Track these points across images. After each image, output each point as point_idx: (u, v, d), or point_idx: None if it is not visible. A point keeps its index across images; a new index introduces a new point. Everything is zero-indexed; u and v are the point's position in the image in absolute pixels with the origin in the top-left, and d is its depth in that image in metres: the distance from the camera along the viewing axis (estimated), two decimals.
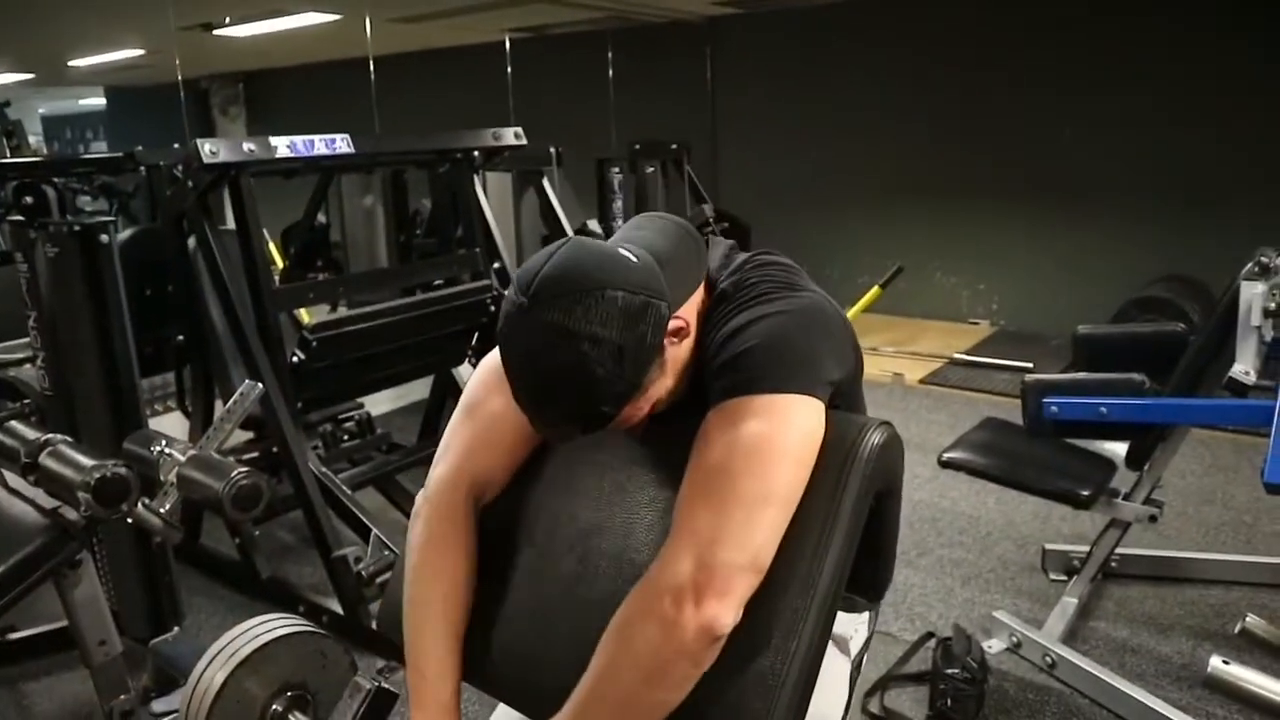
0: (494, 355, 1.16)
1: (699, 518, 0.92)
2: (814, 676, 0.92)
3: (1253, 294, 2.17)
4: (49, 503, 1.89)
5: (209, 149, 2.51)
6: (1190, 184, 5.19)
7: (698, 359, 1.04)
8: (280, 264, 4.33)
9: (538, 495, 1.15)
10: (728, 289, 1.06)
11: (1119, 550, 2.68)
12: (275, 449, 2.77)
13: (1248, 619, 1.41)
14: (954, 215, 6.08)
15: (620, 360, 0.92)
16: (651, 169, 5.06)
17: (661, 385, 1.01)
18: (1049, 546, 2.94)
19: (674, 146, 5.33)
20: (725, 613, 0.89)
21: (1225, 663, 1.15)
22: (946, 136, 5.95)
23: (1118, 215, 5.45)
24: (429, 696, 1.08)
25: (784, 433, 0.93)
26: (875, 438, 0.96)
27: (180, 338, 3.10)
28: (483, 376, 1.17)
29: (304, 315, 3.65)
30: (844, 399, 1.03)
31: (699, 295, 1.07)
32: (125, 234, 3.26)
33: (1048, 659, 2.39)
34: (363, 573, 2.54)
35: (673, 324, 0.99)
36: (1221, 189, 5.10)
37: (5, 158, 4.36)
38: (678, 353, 1.02)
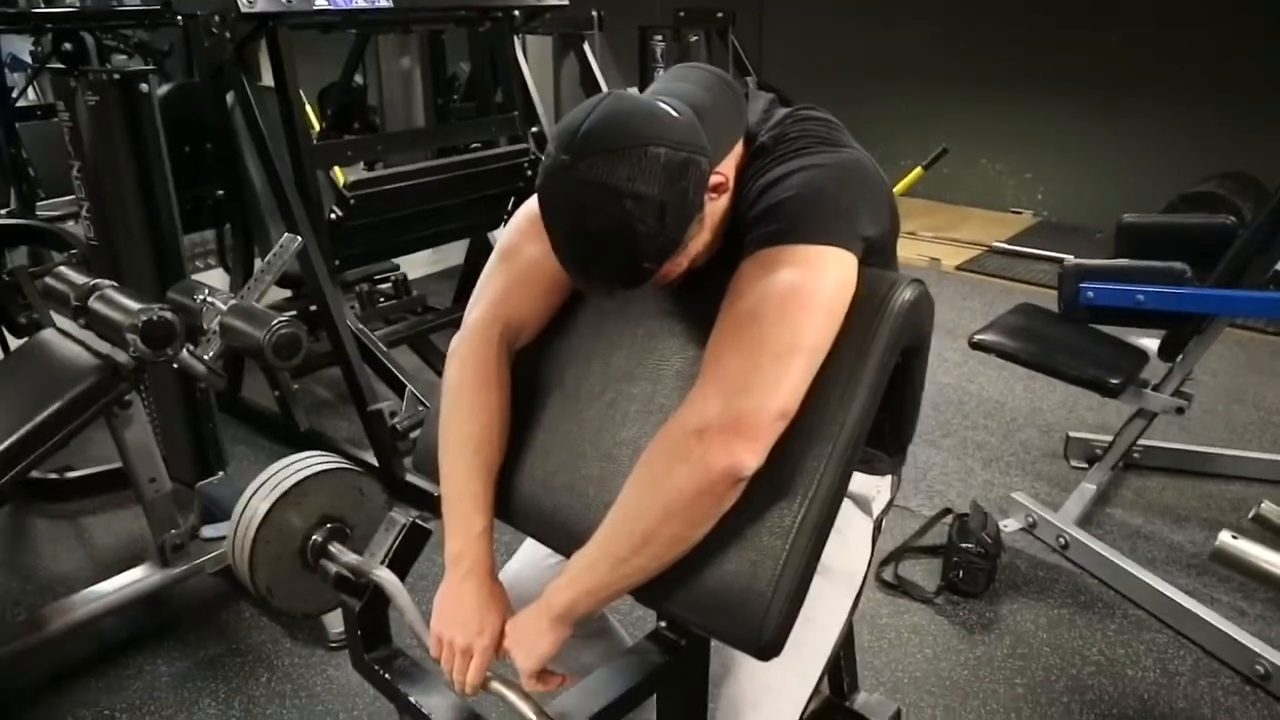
0: (531, 202, 1.16)
1: (729, 363, 0.94)
2: (830, 523, 0.95)
3: None
4: (101, 346, 1.97)
5: None
6: (1255, 79, 4.94)
7: (734, 211, 1.04)
8: (317, 125, 4.29)
9: (570, 341, 1.17)
10: (767, 142, 1.05)
11: (1142, 441, 2.70)
12: (313, 307, 2.83)
13: (1263, 505, 1.43)
14: (1004, 103, 5.85)
15: (662, 218, 0.92)
16: (696, 38, 4.90)
17: (700, 240, 1.01)
18: (1073, 434, 2.96)
19: (719, 15, 5.14)
20: (750, 456, 0.92)
21: (1234, 537, 1.18)
22: (1002, 21, 5.68)
23: (1173, 108, 5.22)
24: (462, 527, 1.12)
25: (816, 283, 0.94)
26: (906, 294, 0.96)
27: (219, 194, 3.13)
28: (519, 223, 1.18)
29: (339, 178, 3.65)
30: (878, 258, 1.03)
31: (738, 149, 1.06)
32: (163, 89, 3.24)
33: (1061, 540, 2.45)
34: (397, 426, 2.62)
35: (713, 179, 0.99)
36: None
37: (39, 8, 4.30)
38: (716, 207, 1.02)
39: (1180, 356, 2.41)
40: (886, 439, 1.14)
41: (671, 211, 0.93)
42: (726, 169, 1.03)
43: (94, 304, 1.92)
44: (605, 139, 0.92)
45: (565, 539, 1.09)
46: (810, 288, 0.93)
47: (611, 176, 0.90)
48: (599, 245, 0.94)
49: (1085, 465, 2.86)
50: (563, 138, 0.94)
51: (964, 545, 2.30)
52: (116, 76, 2.19)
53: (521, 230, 1.17)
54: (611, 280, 0.99)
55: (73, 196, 2.37)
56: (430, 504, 2.55)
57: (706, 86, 1.06)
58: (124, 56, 4.46)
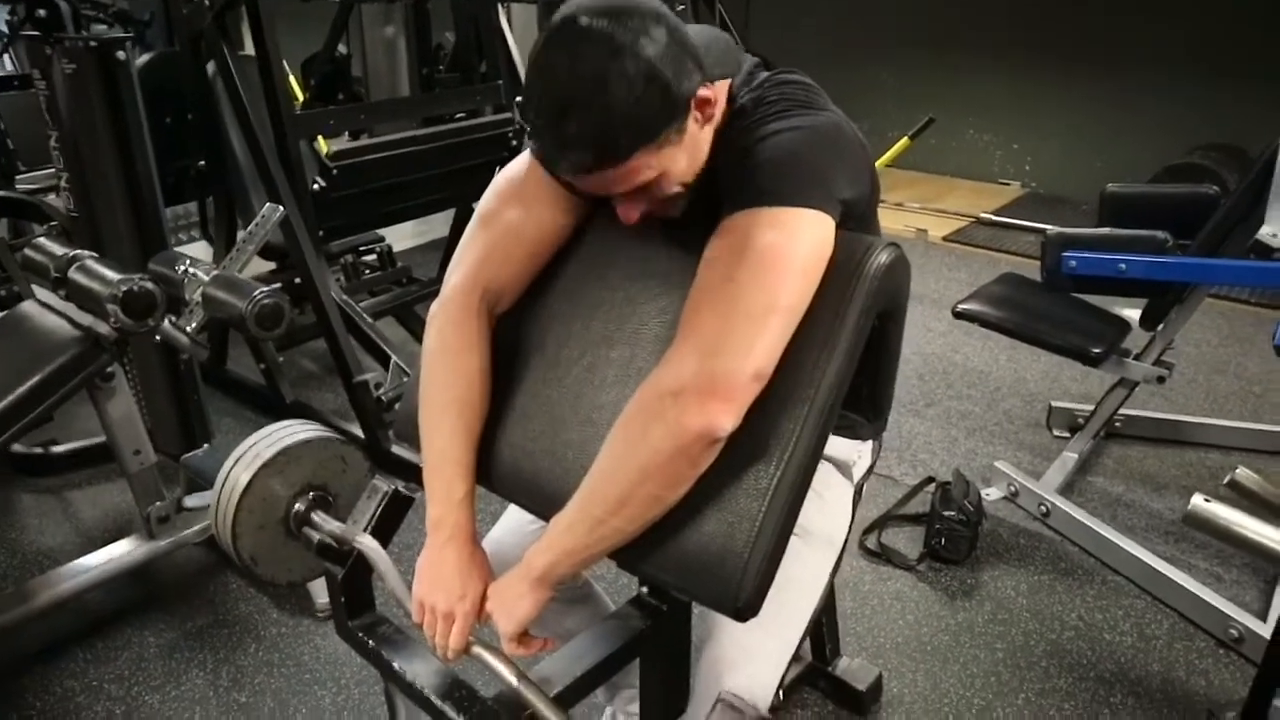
0: (510, 167, 1.16)
1: (705, 325, 0.94)
2: (806, 484, 0.96)
3: None
4: (82, 318, 1.95)
5: None
6: (1243, 51, 4.94)
7: (712, 171, 1.04)
8: (301, 96, 4.25)
9: (549, 306, 1.17)
10: (746, 105, 1.05)
11: (1124, 410, 2.73)
12: (297, 279, 2.81)
13: (1238, 471, 1.44)
14: (992, 73, 5.83)
15: (647, 87, 0.92)
16: (682, 6, 4.85)
17: (676, 160, 0.99)
18: (1055, 404, 2.98)
19: None
20: (725, 417, 0.92)
21: (1207, 500, 1.19)
22: None
23: (1161, 80, 5.21)
24: (443, 493, 1.13)
25: (792, 245, 0.94)
26: (882, 257, 0.96)
27: (201, 165, 3.10)
28: (499, 187, 1.17)
29: (322, 148, 3.62)
30: (857, 223, 1.03)
31: (722, 101, 1.05)
32: (142, 59, 3.20)
33: (1042, 508, 2.47)
34: (382, 398, 2.62)
35: (702, 92, 0.97)
36: (1276, 57, 4.85)
37: None
38: (699, 137, 1.01)
39: (1161, 326, 2.43)
40: (864, 404, 1.15)
41: (657, 86, 0.92)
42: (718, 93, 1.03)
43: (74, 275, 1.90)
44: (614, 6, 0.93)
45: (546, 504, 1.09)
46: (786, 249, 0.93)
47: (612, 29, 0.91)
48: (579, 95, 0.92)
49: (1067, 434, 2.88)
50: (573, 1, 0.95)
51: (946, 513, 2.32)
52: (93, 44, 2.16)
53: (501, 194, 1.16)
54: (581, 146, 0.94)
55: (47, 170, 2.34)
56: (417, 475, 2.55)
57: (702, 33, 1.06)
58: (103, 26, 4.41)
